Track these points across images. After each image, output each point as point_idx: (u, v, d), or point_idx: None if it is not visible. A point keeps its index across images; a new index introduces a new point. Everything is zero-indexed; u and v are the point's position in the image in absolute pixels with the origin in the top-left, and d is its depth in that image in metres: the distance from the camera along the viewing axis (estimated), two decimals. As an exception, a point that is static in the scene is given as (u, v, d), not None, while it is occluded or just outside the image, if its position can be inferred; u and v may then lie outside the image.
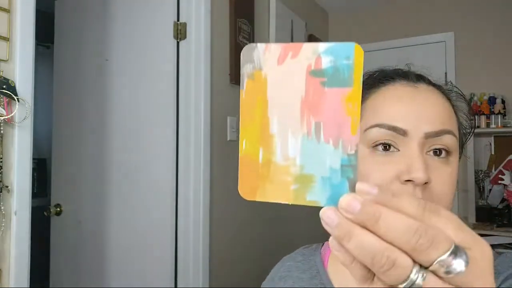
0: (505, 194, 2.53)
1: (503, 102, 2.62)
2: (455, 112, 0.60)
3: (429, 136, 0.52)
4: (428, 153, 0.53)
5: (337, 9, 3.25)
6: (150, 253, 1.76)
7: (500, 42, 2.71)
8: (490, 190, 2.66)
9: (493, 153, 2.70)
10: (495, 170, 2.66)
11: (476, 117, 2.64)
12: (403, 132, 0.52)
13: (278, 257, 0.75)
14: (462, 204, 2.78)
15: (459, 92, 0.63)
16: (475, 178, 2.68)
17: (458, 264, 0.24)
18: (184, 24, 1.75)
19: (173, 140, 1.73)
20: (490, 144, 2.71)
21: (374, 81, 0.60)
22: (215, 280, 1.82)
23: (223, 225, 1.89)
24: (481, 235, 2.09)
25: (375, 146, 0.54)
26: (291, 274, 0.67)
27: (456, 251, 0.24)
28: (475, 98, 2.71)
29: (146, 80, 1.80)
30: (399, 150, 0.53)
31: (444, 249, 0.24)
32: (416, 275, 0.24)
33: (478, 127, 2.62)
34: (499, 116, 2.57)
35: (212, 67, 1.82)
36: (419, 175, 0.49)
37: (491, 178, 2.65)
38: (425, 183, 0.50)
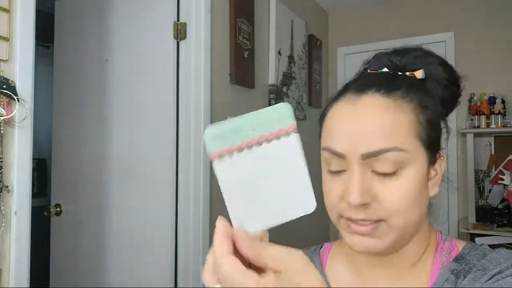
0: (505, 194, 2.53)
1: (503, 102, 2.62)
2: (419, 109, 0.54)
3: (366, 157, 0.51)
4: (373, 171, 0.52)
5: (337, 9, 3.25)
6: (150, 253, 1.76)
7: (500, 42, 2.71)
8: (490, 190, 2.66)
9: (493, 153, 2.70)
10: (495, 170, 2.66)
11: (476, 117, 2.64)
12: (342, 155, 0.53)
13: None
14: (462, 204, 2.78)
15: (429, 52, 0.60)
16: (475, 178, 2.68)
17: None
18: (184, 24, 1.75)
19: (173, 140, 1.73)
20: (490, 144, 2.71)
21: (337, 93, 0.59)
22: (215, 280, 1.82)
23: (223, 225, 1.89)
24: (481, 235, 2.08)
25: (330, 166, 0.55)
26: None
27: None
28: (475, 98, 2.71)
29: (146, 80, 1.80)
30: (346, 171, 0.53)
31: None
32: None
33: (478, 127, 2.62)
34: (499, 116, 2.57)
35: (212, 67, 1.82)
36: (352, 200, 0.51)
37: (491, 178, 2.65)
38: (365, 203, 0.51)
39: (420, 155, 0.53)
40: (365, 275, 0.61)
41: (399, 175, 0.51)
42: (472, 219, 2.61)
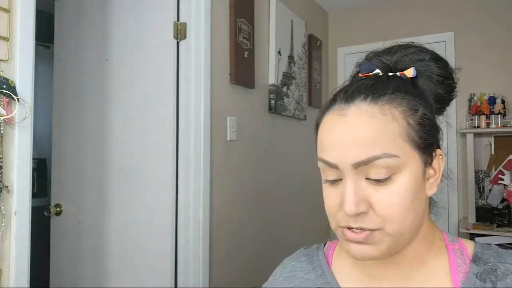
0: (505, 194, 2.53)
1: (503, 102, 2.62)
2: (409, 111, 0.54)
3: (357, 166, 0.52)
4: (368, 178, 0.52)
5: (337, 9, 3.25)
6: (150, 253, 1.76)
7: (500, 42, 2.71)
8: (490, 190, 2.66)
9: (493, 153, 2.70)
10: (495, 170, 2.66)
11: (476, 117, 2.64)
12: (334, 166, 0.53)
13: (278, 257, 0.75)
14: (462, 204, 2.78)
15: (421, 48, 0.60)
16: (475, 178, 2.68)
17: None
18: (184, 24, 1.75)
19: (173, 140, 1.73)
20: (490, 144, 2.71)
21: (328, 103, 0.58)
22: (215, 280, 1.83)
23: (223, 225, 1.89)
24: (481, 235, 2.08)
25: (326, 176, 0.56)
26: (296, 274, 0.67)
27: None
28: (475, 98, 2.71)
29: (146, 80, 1.80)
30: (342, 180, 0.54)
31: None
32: None
33: (478, 127, 2.62)
34: (499, 116, 2.57)
35: (212, 67, 1.82)
36: (347, 210, 0.51)
37: (491, 178, 2.65)
38: (362, 212, 0.51)
39: (413, 157, 0.53)
40: (372, 275, 0.61)
41: (393, 180, 0.52)
42: (472, 219, 2.61)
